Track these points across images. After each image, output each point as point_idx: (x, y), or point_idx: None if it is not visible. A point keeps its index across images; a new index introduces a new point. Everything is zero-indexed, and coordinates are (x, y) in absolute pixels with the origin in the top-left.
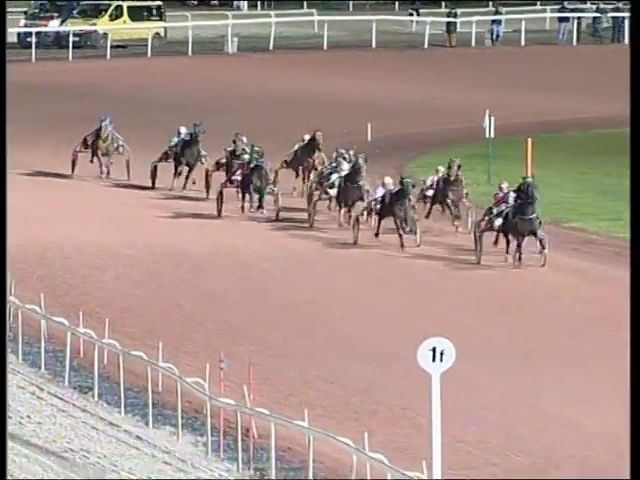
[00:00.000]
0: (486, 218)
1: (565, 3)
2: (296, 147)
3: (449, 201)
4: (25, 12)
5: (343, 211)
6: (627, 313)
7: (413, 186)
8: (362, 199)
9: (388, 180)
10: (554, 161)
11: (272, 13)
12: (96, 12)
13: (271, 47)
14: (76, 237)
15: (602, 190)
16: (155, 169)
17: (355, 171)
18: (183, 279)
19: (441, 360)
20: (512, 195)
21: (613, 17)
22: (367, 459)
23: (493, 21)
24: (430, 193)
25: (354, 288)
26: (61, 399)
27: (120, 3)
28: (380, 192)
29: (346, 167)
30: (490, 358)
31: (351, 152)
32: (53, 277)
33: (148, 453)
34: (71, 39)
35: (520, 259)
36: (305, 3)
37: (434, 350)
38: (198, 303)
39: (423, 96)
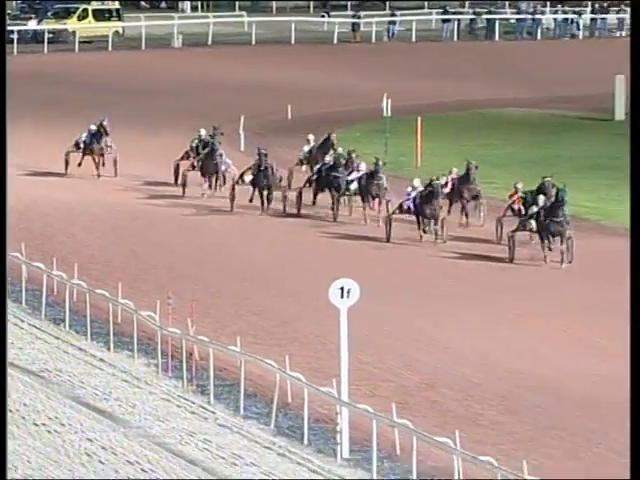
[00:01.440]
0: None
1: (447, 7)
2: (309, 147)
3: (464, 199)
4: (8, 13)
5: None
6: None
7: (442, 187)
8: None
9: (417, 182)
10: (439, 136)
11: (210, 15)
12: (66, 14)
13: (209, 42)
14: (52, 197)
15: (478, 159)
16: (178, 167)
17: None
18: (139, 232)
19: (348, 297)
20: (542, 198)
21: (487, 19)
22: (288, 377)
23: (390, 22)
24: (446, 190)
25: (284, 245)
26: (39, 329)
27: (86, 6)
28: (412, 193)
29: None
30: (393, 298)
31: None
32: (32, 230)
33: (110, 372)
34: (46, 36)
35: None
36: (237, 5)
37: (342, 289)
38: (151, 251)
39: (333, 83)
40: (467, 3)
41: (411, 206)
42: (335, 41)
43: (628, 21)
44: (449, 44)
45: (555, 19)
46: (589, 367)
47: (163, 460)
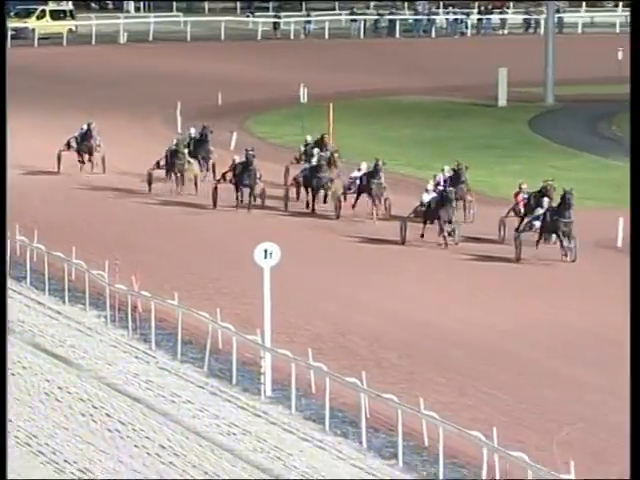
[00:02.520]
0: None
1: (354, 9)
2: (303, 147)
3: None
4: None
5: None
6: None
7: (456, 193)
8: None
9: (430, 187)
10: (349, 120)
11: (151, 15)
12: (27, 14)
13: (150, 39)
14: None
15: (382, 140)
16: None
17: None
18: (92, 202)
19: (270, 258)
20: (546, 200)
21: (389, 19)
22: (219, 327)
23: (306, 21)
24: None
25: (221, 223)
26: None
27: (44, 7)
28: (427, 198)
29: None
30: (316, 262)
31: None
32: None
33: (65, 323)
34: (9, 33)
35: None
36: (174, 6)
37: (265, 251)
38: (100, 219)
39: (257, 74)
40: (372, 5)
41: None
42: (259, 38)
43: (510, 21)
44: (356, 41)
45: (447, 19)
46: (482, 319)
47: (111, 398)
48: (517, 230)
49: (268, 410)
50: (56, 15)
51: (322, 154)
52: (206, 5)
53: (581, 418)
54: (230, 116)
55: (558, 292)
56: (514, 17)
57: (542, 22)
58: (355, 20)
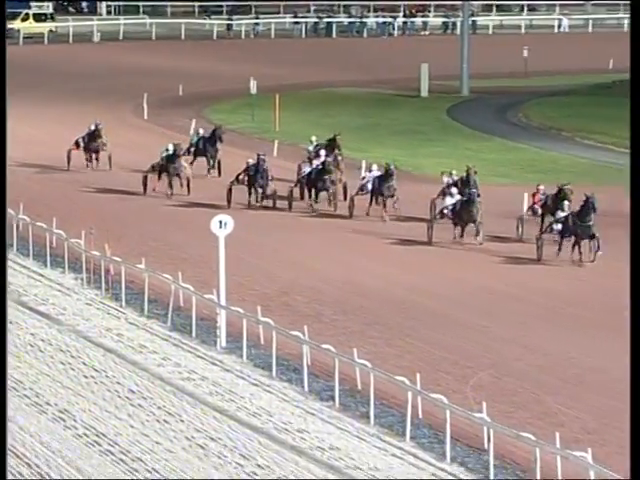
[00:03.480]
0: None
1: (297, 12)
2: (312, 147)
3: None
4: None
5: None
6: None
7: (478, 195)
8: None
9: (454, 190)
10: (292, 109)
11: (121, 17)
12: (12, 17)
13: (121, 38)
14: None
15: (322, 126)
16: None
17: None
18: (72, 183)
19: (225, 227)
20: (566, 203)
21: (327, 21)
22: (180, 287)
23: (255, 23)
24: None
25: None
26: None
27: (27, 11)
28: (450, 200)
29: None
30: (262, 230)
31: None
32: None
33: (47, 284)
34: None
35: (580, 258)
36: (141, 10)
37: (220, 222)
38: (80, 197)
39: (212, 68)
40: (312, 9)
41: (449, 212)
42: (214, 37)
43: (430, 23)
44: (299, 40)
45: (377, 21)
46: (408, 281)
47: (87, 349)
48: (540, 232)
49: (223, 359)
50: (38, 17)
51: (329, 158)
52: (169, 9)
53: (491, 365)
54: (190, 105)
55: (476, 261)
56: (434, 20)
57: (458, 24)
58: (297, 22)
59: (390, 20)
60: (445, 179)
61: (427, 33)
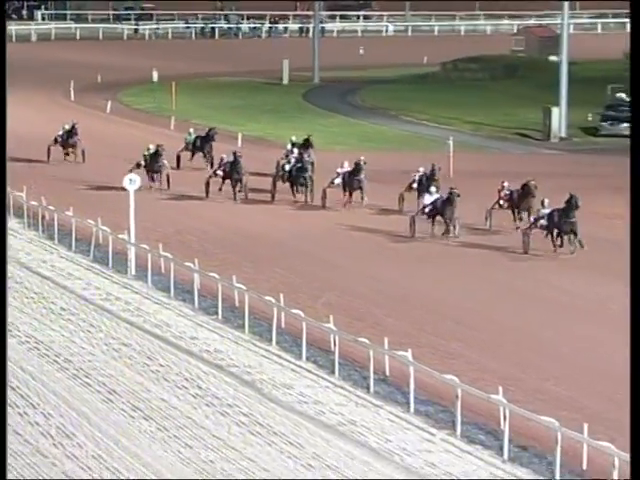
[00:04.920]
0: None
1: (188, 19)
2: (290, 146)
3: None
4: None
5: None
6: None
7: (458, 196)
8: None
9: (433, 189)
10: (185, 93)
11: (52, 23)
12: None
13: (52, 38)
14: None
15: (205, 106)
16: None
17: None
18: (57, 163)
19: (133, 183)
20: (547, 201)
21: (211, 27)
22: (100, 229)
23: (156, 27)
24: (415, 186)
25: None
26: None
27: None
28: (430, 199)
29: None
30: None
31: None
32: None
33: (26, 239)
34: None
35: (561, 246)
36: (68, 17)
37: (130, 179)
38: (63, 171)
39: (124, 62)
40: (200, 16)
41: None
42: (125, 38)
43: (290, 28)
44: (190, 41)
45: (249, 27)
46: (281, 226)
47: (28, 277)
48: (517, 225)
49: (132, 284)
50: None
51: (307, 158)
52: (90, 16)
53: (338, 288)
54: (106, 90)
55: (335, 212)
56: (293, 26)
57: (311, 29)
58: (189, 27)
59: (259, 26)
60: (289, 146)
61: (287, 36)
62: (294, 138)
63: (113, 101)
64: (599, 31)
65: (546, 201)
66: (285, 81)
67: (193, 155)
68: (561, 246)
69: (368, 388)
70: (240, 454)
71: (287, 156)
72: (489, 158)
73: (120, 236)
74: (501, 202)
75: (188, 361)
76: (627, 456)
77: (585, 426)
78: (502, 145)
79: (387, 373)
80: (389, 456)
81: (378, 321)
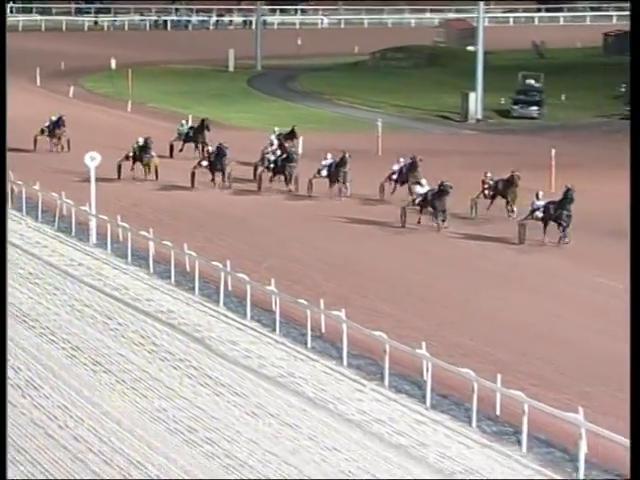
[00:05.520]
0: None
1: (143, 12)
2: (274, 136)
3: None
4: None
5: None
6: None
7: (451, 188)
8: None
9: (424, 181)
10: (140, 79)
11: (20, 15)
12: None
13: (20, 30)
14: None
15: (159, 91)
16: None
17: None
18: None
19: (94, 161)
20: (541, 193)
21: (164, 19)
22: (64, 201)
23: (114, 20)
24: (395, 177)
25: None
26: None
27: None
28: (422, 190)
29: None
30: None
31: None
32: None
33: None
34: None
35: (562, 240)
36: (34, 10)
37: (91, 156)
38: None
39: (85, 51)
40: (154, 10)
41: (422, 201)
42: (85, 30)
43: (235, 20)
44: (144, 32)
45: (198, 19)
46: (232, 201)
47: None
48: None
49: (94, 251)
50: None
51: (293, 148)
52: (54, 9)
53: (279, 254)
54: (69, 76)
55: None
56: (237, 19)
57: (254, 22)
58: (143, 19)
59: (207, 19)
60: (272, 136)
61: (232, 28)
62: (277, 129)
63: (75, 86)
64: (511, 24)
65: (540, 193)
66: (231, 68)
67: (184, 145)
68: (562, 238)
69: (306, 344)
70: (191, 403)
71: (272, 145)
72: (414, 137)
73: (82, 208)
74: (486, 192)
75: (144, 320)
76: (538, 403)
77: (499, 377)
78: (425, 126)
79: (323, 330)
80: (324, 404)
81: (316, 285)
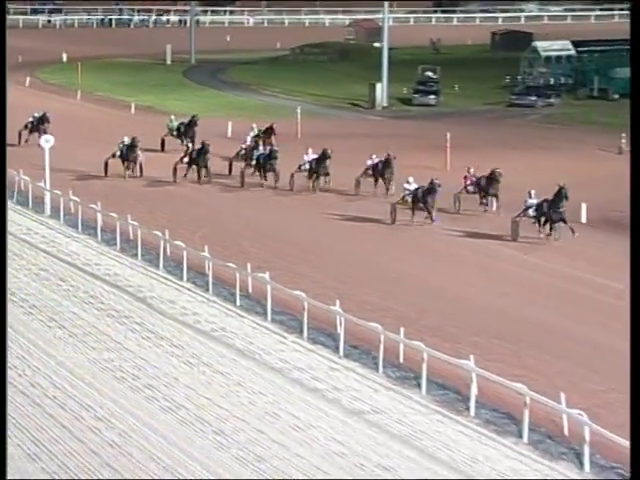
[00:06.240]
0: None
1: (90, 12)
2: (254, 133)
3: (386, 177)
4: None
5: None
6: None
7: (439, 186)
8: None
9: (411, 179)
10: (89, 71)
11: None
12: None
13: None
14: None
15: (106, 82)
16: (163, 142)
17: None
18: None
19: (49, 142)
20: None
21: (109, 18)
22: (22, 179)
23: (65, 18)
24: (370, 172)
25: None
26: None
27: None
28: (413, 186)
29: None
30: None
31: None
32: None
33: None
34: None
35: (550, 235)
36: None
37: (46, 139)
38: None
39: (40, 46)
40: (99, 9)
41: (412, 198)
42: (40, 27)
43: (172, 19)
44: (92, 29)
45: (139, 18)
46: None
47: None
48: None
49: (48, 222)
50: None
51: (275, 147)
52: (12, 9)
53: (212, 224)
54: (25, 68)
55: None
56: (174, 18)
57: (188, 20)
58: (90, 18)
59: (147, 17)
60: (251, 133)
61: (169, 26)
62: (255, 125)
63: (31, 77)
64: (412, 23)
65: (532, 192)
66: (168, 62)
67: (178, 138)
68: (550, 234)
69: (235, 302)
70: (134, 354)
71: (246, 142)
72: (328, 122)
73: (38, 184)
74: (468, 188)
75: (93, 282)
76: (435, 352)
77: (402, 329)
78: (338, 112)
79: (250, 290)
80: (251, 355)
81: (244, 250)
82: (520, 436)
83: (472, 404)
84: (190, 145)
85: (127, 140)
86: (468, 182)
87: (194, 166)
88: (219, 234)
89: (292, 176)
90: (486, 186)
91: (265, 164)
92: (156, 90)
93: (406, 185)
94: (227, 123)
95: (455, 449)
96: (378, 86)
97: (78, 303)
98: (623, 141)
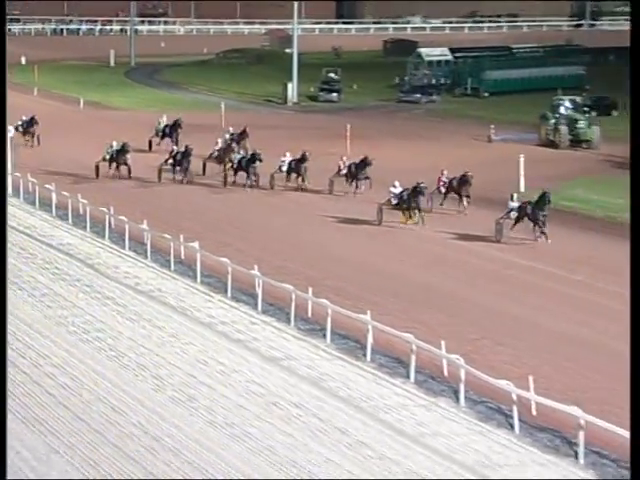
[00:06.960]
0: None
1: (47, 23)
2: (229, 136)
3: (361, 178)
4: None
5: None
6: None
7: (425, 188)
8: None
9: (397, 183)
10: (46, 73)
11: None
12: None
13: None
14: None
15: (61, 82)
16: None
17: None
18: None
19: (10, 132)
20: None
21: (61, 27)
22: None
23: (23, 28)
24: (344, 172)
25: None
26: None
27: None
28: (396, 191)
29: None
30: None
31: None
32: None
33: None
34: None
35: (540, 237)
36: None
37: (18, 127)
38: None
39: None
40: (53, 19)
41: (398, 200)
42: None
43: (115, 29)
44: (47, 37)
45: (87, 27)
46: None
47: None
48: (499, 219)
49: (10, 200)
50: None
51: (257, 152)
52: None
53: (153, 206)
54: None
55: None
56: (116, 27)
57: (128, 29)
58: (44, 27)
59: (93, 27)
60: (227, 135)
61: (112, 34)
62: (231, 129)
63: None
64: (317, 33)
65: (515, 195)
66: (112, 64)
67: (161, 141)
68: (540, 236)
69: (170, 267)
70: (84, 311)
71: (218, 144)
72: (247, 115)
73: (16, 174)
74: (441, 189)
75: (48, 251)
76: (338, 308)
77: (310, 289)
78: (256, 107)
79: (182, 257)
80: (183, 311)
81: (178, 224)
82: (408, 377)
83: (368, 351)
84: (175, 148)
85: (115, 145)
86: (441, 183)
87: (177, 167)
88: (159, 213)
89: (272, 176)
90: (457, 187)
91: (248, 166)
92: (102, 88)
93: (392, 189)
94: (162, 116)
95: (354, 388)
96: (289, 85)
97: (36, 269)
98: (492, 132)
